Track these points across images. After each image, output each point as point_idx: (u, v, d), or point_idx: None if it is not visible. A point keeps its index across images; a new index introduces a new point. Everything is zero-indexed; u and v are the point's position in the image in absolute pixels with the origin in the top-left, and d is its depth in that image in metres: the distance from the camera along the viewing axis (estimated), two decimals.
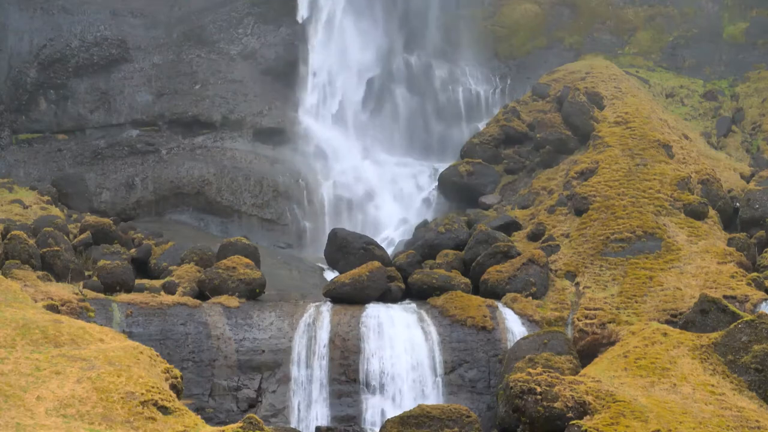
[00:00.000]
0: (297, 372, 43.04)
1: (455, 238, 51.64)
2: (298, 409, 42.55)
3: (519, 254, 48.41)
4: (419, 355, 43.42)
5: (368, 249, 49.80)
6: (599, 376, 37.40)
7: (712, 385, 36.93)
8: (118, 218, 57.94)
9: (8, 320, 33.96)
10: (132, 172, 63.56)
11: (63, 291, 42.31)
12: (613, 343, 42.39)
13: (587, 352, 43.29)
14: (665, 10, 75.50)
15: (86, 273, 46.13)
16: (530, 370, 37.10)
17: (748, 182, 57.64)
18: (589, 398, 35.01)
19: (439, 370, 43.34)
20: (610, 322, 44.46)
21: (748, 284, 45.78)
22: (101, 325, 38.25)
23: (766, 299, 44.46)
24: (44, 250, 45.28)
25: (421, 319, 44.71)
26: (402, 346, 43.48)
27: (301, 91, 68.90)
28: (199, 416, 32.02)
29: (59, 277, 44.55)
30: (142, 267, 49.20)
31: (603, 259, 48.53)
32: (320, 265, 55.53)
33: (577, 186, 53.89)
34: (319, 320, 44.07)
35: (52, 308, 39.34)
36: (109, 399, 30.15)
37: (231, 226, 62.78)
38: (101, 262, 45.54)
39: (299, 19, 69.93)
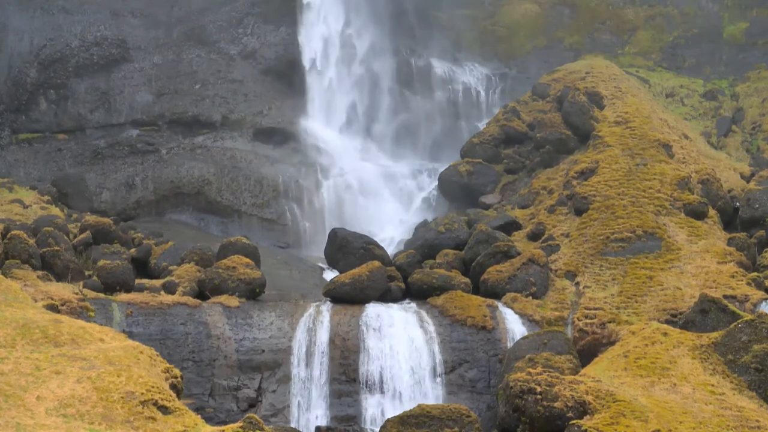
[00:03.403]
0: (297, 372, 43.04)
1: (455, 238, 51.63)
2: (298, 409, 42.55)
3: (519, 254, 48.41)
4: (419, 354, 43.42)
5: (368, 249, 49.80)
6: (599, 376, 37.41)
7: (712, 385, 36.93)
8: (118, 218, 57.95)
9: (8, 320, 33.97)
10: (132, 172, 63.60)
11: (63, 291, 42.31)
12: (613, 343, 42.39)
13: (587, 352, 43.28)
14: (665, 10, 75.55)
15: (86, 273, 46.14)
16: (530, 369, 37.09)
17: (748, 182, 57.64)
18: (589, 398, 35.01)
19: (439, 370, 43.34)
20: (610, 322, 44.46)
21: (748, 284, 45.78)
22: (101, 324, 38.23)
23: (766, 299, 44.46)
24: (44, 250, 45.28)
25: (421, 319, 44.71)
26: (402, 345, 43.48)
27: (301, 91, 68.90)
28: (199, 416, 32.00)
29: (59, 277, 44.55)
30: (142, 267, 49.20)
31: (603, 258, 48.53)
32: (320, 265, 55.54)
33: (577, 186, 53.89)
34: (319, 320, 44.08)
35: (52, 308, 39.34)
36: (109, 399, 30.15)
37: (231, 226, 62.81)
38: (101, 262, 45.53)
39: (299, 19, 69.93)
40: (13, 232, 45.09)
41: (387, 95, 70.73)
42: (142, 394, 30.51)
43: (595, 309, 45.36)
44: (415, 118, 70.05)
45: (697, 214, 51.26)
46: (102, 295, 43.25)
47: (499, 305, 45.73)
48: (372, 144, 68.92)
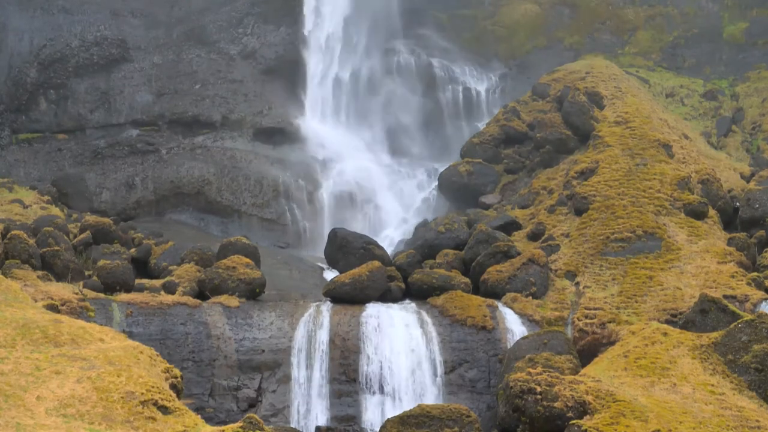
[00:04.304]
0: (297, 372, 43.05)
1: (455, 237, 51.64)
2: (298, 409, 42.56)
3: (519, 254, 48.42)
4: (419, 354, 43.43)
5: (368, 249, 49.80)
6: (599, 376, 37.42)
7: (712, 385, 36.94)
8: (118, 218, 57.98)
9: (8, 320, 33.97)
10: (132, 172, 63.60)
11: (63, 291, 42.31)
12: (613, 343, 42.40)
13: (587, 352, 43.29)
14: (665, 10, 75.54)
15: (86, 273, 46.14)
16: (530, 369, 37.10)
17: (748, 182, 57.64)
18: (589, 398, 35.01)
19: (439, 370, 43.34)
20: (610, 322, 44.47)
21: (748, 284, 45.78)
22: (101, 324, 38.25)
23: (766, 299, 44.46)
24: (44, 249, 45.29)
25: (421, 319, 44.72)
26: (402, 345, 43.49)
27: (301, 91, 68.93)
28: (199, 416, 32.00)
29: (59, 277, 44.56)
30: (142, 267, 49.22)
31: (603, 258, 48.54)
32: (320, 264, 55.55)
33: (577, 186, 53.90)
34: (319, 320, 44.09)
35: (52, 308, 39.34)
36: (109, 399, 30.16)
37: (231, 226, 62.83)
38: (101, 262, 45.54)
39: (299, 19, 69.95)
40: (13, 232, 45.09)
41: (387, 95, 70.72)
42: (142, 394, 30.52)
43: (595, 309, 45.37)
44: (415, 118, 70.03)
45: (697, 214, 51.26)
46: (102, 295, 43.26)
47: (499, 305, 45.74)
48: (372, 144, 68.92)
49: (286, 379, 42.99)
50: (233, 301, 44.57)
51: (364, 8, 72.45)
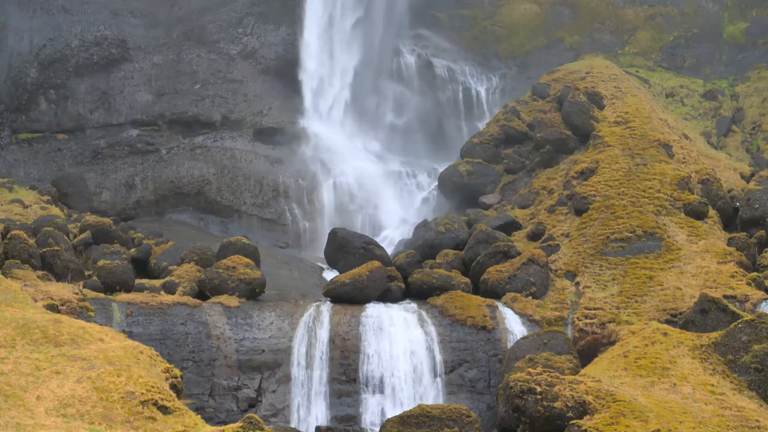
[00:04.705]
0: (297, 372, 43.05)
1: (455, 237, 51.65)
2: (298, 409, 42.56)
3: (519, 254, 48.43)
4: (419, 354, 43.43)
5: (368, 249, 49.80)
6: (599, 376, 37.42)
7: (712, 385, 36.94)
8: (118, 218, 57.98)
9: (8, 320, 33.97)
10: (132, 172, 63.60)
11: (63, 291, 42.31)
12: (613, 343, 42.41)
13: (587, 352, 43.30)
14: (665, 10, 75.54)
15: (86, 273, 46.14)
16: (530, 369, 37.12)
17: (748, 182, 57.63)
18: (589, 398, 35.02)
19: (439, 370, 43.34)
20: (610, 322, 44.47)
21: (748, 284, 45.79)
22: (101, 324, 38.27)
23: (766, 299, 44.47)
24: (44, 249, 45.29)
25: (421, 319, 44.72)
26: (402, 345, 43.49)
27: (301, 91, 68.89)
28: (199, 416, 32.02)
29: (59, 277, 44.56)
30: (142, 267, 49.22)
31: (603, 258, 48.55)
32: (320, 264, 55.55)
33: (577, 186, 53.90)
34: (319, 320, 44.09)
35: (52, 308, 39.34)
36: (109, 399, 30.16)
37: (231, 226, 62.85)
38: (101, 262, 45.54)
39: (299, 19, 69.94)
40: (13, 232, 45.09)
41: (387, 95, 70.73)
42: (142, 394, 30.52)
43: (595, 309, 45.37)
44: (415, 118, 70.04)
45: (697, 214, 51.26)
46: (102, 295, 43.26)
47: (499, 305, 45.74)
48: (372, 143, 68.91)
49: (286, 379, 42.99)
50: (233, 301, 44.57)
51: (365, 7, 72.40)
